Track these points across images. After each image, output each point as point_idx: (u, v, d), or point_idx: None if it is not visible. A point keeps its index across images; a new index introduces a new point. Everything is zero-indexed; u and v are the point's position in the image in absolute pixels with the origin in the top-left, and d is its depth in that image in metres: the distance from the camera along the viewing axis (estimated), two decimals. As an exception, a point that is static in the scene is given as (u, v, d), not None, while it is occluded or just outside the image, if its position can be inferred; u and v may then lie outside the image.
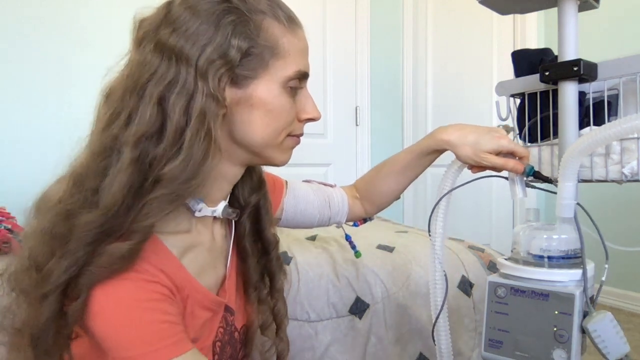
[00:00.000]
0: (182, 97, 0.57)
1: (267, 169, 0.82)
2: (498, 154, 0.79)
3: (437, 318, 0.81)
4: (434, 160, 0.91)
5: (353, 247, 1.12)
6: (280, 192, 0.91)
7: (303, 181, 0.99)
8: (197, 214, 0.66)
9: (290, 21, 0.65)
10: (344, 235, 1.11)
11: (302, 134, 0.70)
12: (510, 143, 0.79)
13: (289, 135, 0.68)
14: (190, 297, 0.64)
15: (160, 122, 0.56)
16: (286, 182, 0.94)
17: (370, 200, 0.99)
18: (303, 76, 0.66)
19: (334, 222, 0.99)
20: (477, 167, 0.82)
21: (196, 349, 0.59)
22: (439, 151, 0.87)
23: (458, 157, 0.83)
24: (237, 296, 0.76)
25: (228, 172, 0.68)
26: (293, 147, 0.70)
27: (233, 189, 0.74)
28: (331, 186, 1.00)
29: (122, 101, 0.58)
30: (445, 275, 0.81)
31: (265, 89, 0.62)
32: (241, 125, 0.63)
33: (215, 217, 0.70)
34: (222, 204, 0.69)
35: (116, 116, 0.58)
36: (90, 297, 0.54)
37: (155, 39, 0.58)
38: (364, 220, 1.07)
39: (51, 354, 0.57)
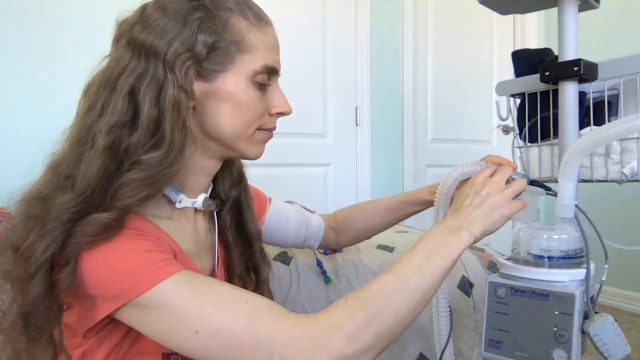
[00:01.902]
0: (152, 88, 0.60)
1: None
2: None
3: (445, 347, 0.81)
4: (413, 213, 0.95)
5: (324, 272, 1.18)
6: (264, 205, 0.94)
7: (285, 202, 1.02)
8: (177, 205, 0.68)
9: (258, 18, 0.67)
10: (316, 261, 1.16)
11: (274, 128, 0.72)
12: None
13: (259, 128, 0.70)
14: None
15: (132, 112, 0.60)
16: (270, 198, 0.97)
17: (345, 233, 1.02)
18: (271, 71, 0.68)
19: (307, 245, 1.02)
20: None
21: (187, 270, 0.59)
22: (416, 204, 0.93)
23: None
24: None
25: (204, 165, 0.70)
26: (265, 141, 0.72)
27: (214, 184, 0.77)
28: (311, 211, 1.03)
29: (97, 95, 0.62)
30: None
31: (233, 83, 0.65)
32: (211, 118, 0.66)
33: (196, 210, 0.73)
34: (202, 196, 0.71)
35: (91, 109, 0.61)
36: (78, 260, 0.56)
37: (128, 36, 0.62)
38: (334, 251, 1.11)
39: (43, 330, 0.57)
